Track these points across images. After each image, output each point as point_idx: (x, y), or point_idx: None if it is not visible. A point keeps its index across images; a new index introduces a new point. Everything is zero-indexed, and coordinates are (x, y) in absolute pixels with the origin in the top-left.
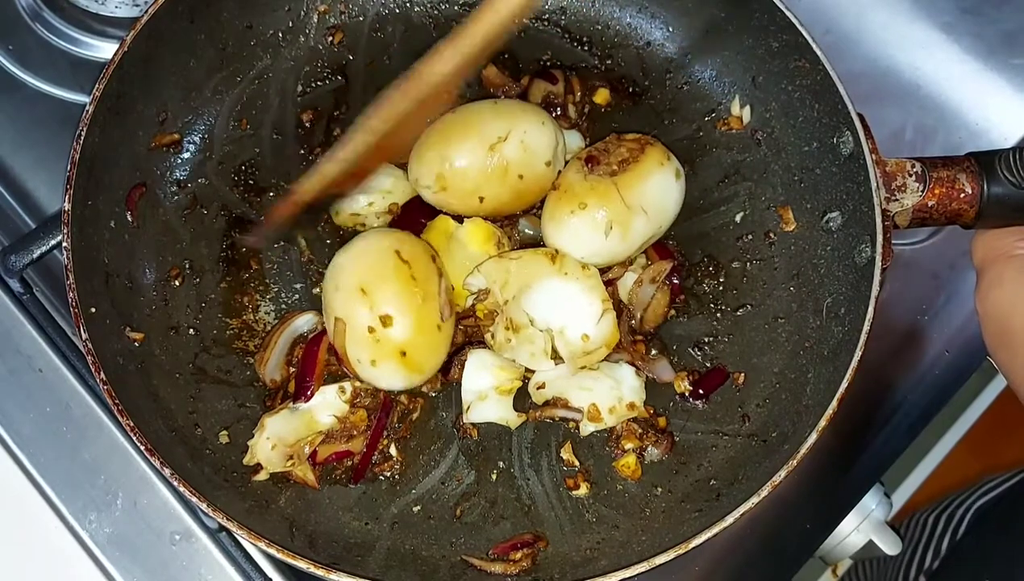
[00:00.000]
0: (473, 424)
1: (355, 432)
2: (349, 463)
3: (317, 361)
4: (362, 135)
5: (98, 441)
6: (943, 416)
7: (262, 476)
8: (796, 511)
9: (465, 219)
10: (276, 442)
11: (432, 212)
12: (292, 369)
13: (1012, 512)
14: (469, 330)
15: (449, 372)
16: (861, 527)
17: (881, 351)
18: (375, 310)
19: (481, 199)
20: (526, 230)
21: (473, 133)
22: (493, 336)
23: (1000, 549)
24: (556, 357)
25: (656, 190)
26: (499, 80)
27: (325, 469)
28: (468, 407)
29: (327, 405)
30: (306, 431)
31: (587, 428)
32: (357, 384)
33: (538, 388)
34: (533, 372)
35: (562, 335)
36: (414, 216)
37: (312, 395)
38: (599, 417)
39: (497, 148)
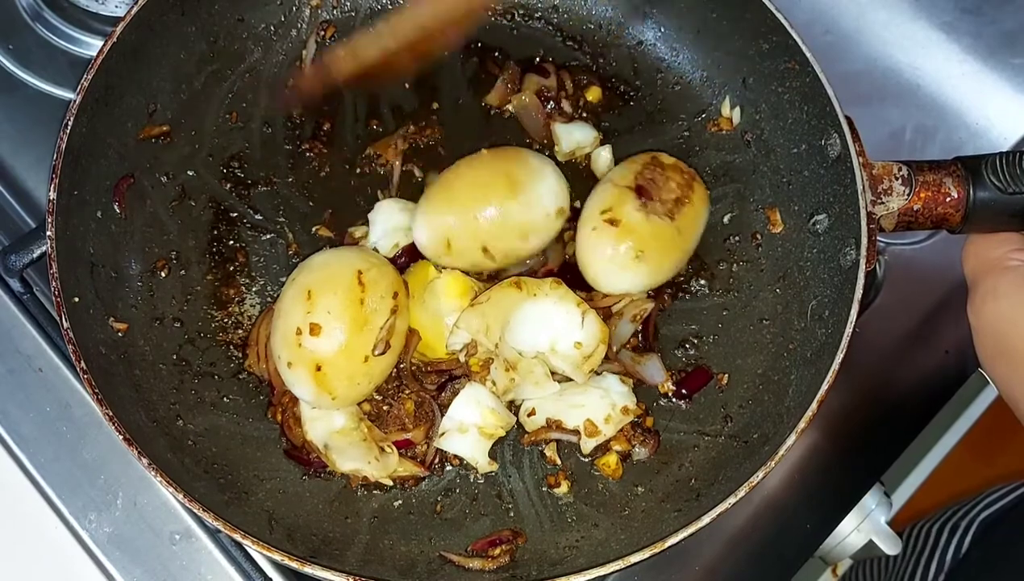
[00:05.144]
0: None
1: (407, 421)
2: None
3: None
4: (402, 21)
5: (98, 441)
6: (943, 416)
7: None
8: (796, 511)
9: (443, 270)
10: (367, 463)
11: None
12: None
13: (1019, 526)
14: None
15: (441, 395)
16: (861, 527)
17: (881, 351)
18: (309, 315)
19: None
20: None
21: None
22: (495, 383)
23: (1007, 564)
24: (559, 377)
25: (701, 230)
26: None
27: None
28: (443, 432)
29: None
30: (352, 433)
31: (588, 444)
32: None
33: (529, 415)
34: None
35: (555, 353)
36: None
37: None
38: (597, 431)
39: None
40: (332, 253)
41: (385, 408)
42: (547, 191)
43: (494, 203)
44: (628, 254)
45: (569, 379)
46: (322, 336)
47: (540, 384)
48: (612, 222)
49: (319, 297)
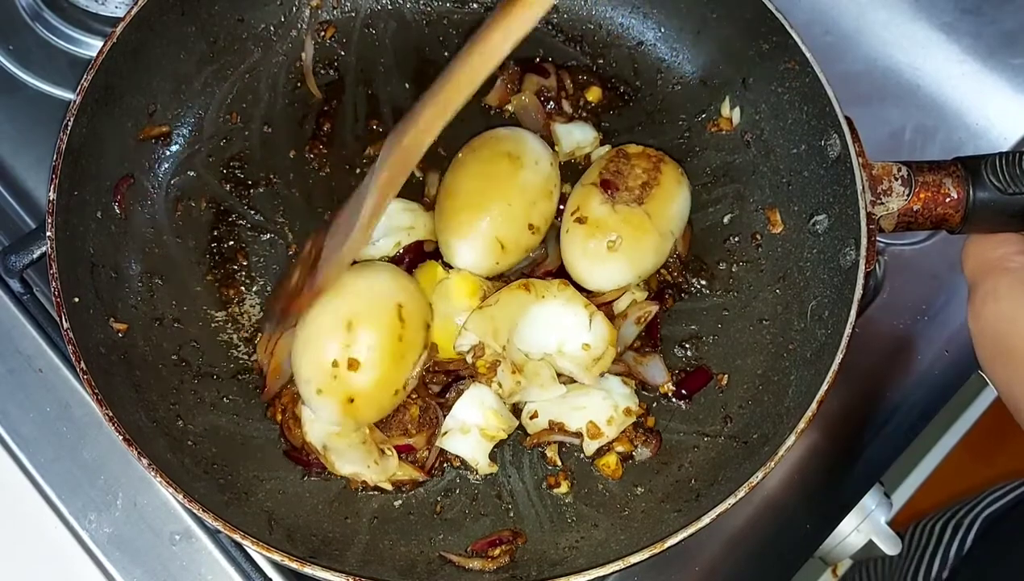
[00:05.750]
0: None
1: (410, 426)
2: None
3: None
4: (360, 233)
5: (98, 441)
6: (943, 416)
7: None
8: (796, 511)
9: (452, 271)
10: (366, 467)
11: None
12: None
13: (1023, 523)
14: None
15: (445, 396)
16: (861, 527)
17: (881, 351)
18: (349, 349)
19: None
20: None
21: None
22: (501, 385)
23: (1011, 560)
24: (565, 380)
25: (679, 209)
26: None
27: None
28: (446, 432)
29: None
30: (351, 435)
31: (591, 446)
32: None
33: (532, 418)
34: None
35: (562, 354)
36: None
37: None
38: (599, 433)
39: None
40: (369, 277)
41: (389, 412)
42: (536, 147)
43: (512, 179)
44: (600, 247)
45: (573, 381)
46: (361, 372)
47: (546, 387)
48: (580, 221)
49: (360, 331)
